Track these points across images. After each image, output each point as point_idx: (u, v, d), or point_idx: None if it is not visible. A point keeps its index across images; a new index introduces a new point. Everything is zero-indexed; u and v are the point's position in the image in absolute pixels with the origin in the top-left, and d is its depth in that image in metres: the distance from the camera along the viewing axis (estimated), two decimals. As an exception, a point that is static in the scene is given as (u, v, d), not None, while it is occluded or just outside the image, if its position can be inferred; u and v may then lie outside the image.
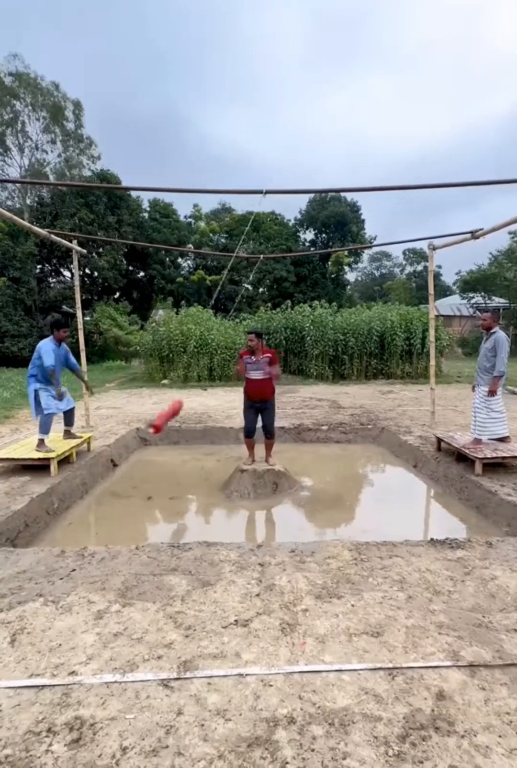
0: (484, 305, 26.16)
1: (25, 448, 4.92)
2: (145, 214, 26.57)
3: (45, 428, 4.89)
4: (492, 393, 4.64)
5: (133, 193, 24.97)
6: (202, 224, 26.96)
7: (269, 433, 5.06)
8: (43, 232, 5.97)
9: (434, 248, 6.72)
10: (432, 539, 3.16)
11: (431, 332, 7.19)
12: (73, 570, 2.71)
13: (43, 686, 1.79)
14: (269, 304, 18.58)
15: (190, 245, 25.85)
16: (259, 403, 4.97)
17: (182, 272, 26.29)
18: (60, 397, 4.98)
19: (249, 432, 5.05)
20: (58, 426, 5.44)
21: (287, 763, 1.44)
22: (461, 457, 4.89)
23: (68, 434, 5.32)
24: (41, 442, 4.84)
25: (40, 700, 1.72)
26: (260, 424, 5.07)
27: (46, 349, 4.89)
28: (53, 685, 1.79)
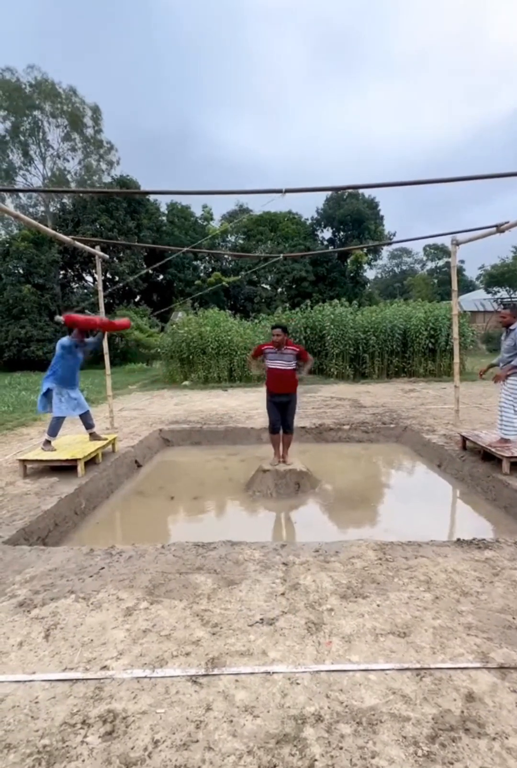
0: (509, 300, 25.47)
1: (54, 450, 5.06)
2: (164, 218, 26.95)
3: (53, 431, 5.07)
4: (498, 378, 4.64)
5: (151, 198, 25.35)
6: (213, 225, 27.14)
7: (288, 427, 5.06)
8: (67, 239, 6.14)
9: (458, 243, 6.59)
10: (459, 539, 3.11)
11: (455, 329, 7.05)
12: (102, 568, 2.79)
13: (77, 680, 1.85)
14: (287, 305, 18.56)
15: (222, 247, 26.10)
16: (282, 396, 4.95)
17: (200, 274, 26.53)
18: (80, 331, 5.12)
19: (274, 427, 5.06)
20: (82, 428, 5.57)
21: (316, 760, 1.45)
22: (487, 456, 4.79)
23: (93, 436, 5.45)
24: (47, 442, 5.02)
25: (74, 693, 1.78)
26: None
27: (68, 343, 5.06)
28: (86, 679, 1.85)
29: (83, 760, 1.48)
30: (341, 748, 1.49)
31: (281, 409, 5.00)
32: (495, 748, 1.49)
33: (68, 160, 26.49)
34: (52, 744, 1.55)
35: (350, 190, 26.71)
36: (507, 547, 2.96)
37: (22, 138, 24.74)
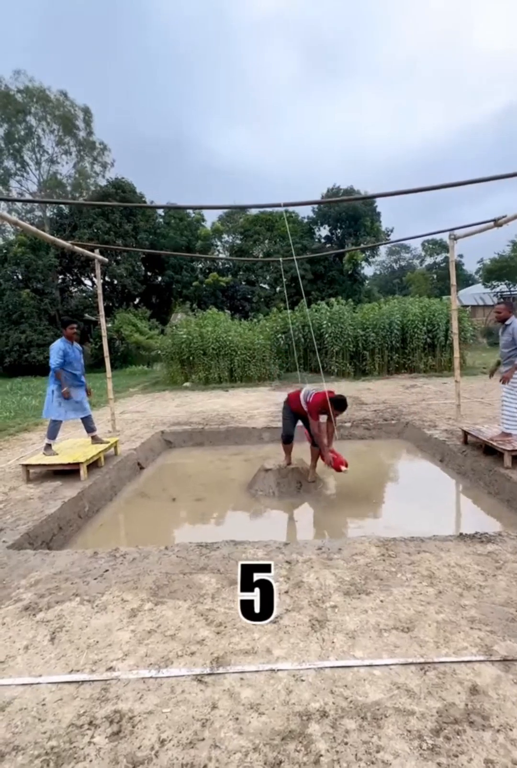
0: (508, 293, 25.46)
1: (55, 454, 5.08)
2: (160, 220, 26.95)
3: (51, 433, 5.07)
4: (506, 380, 4.54)
5: (147, 201, 25.34)
6: (206, 227, 27.18)
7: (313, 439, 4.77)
8: (67, 243, 6.15)
9: (456, 238, 6.60)
10: (461, 534, 3.12)
11: (454, 323, 7.06)
12: (106, 570, 2.80)
13: (83, 681, 1.86)
14: (283, 305, 18.53)
15: (218, 250, 26.14)
16: (302, 415, 4.77)
17: (198, 275, 26.52)
18: (66, 396, 5.04)
19: (287, 438, 4.87)
20: (84, 431, 5.58)
21: (321, 755, 1.46)
22: (489, 450, 4.79)
23: (95, 439, 5.46)
24: (48, 446, 5.03)
25: (80, 695, 1.79)
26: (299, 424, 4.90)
27: (55, 349, 5.06)
28: (92, 681, 1.86)
29: (91, 761, 1.49)
30: (346, 743, 1.50)
31: (300, 419, 4.82)
32: (500, 739, 1.50)
33: (62, 164, 26.57)
34: (60, 745, 1.56)
35: (344, 190, 26.73)
36: (510, 541, 2.97)
37: (16, 145, 24.78)
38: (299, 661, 1.90)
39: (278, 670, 1.86)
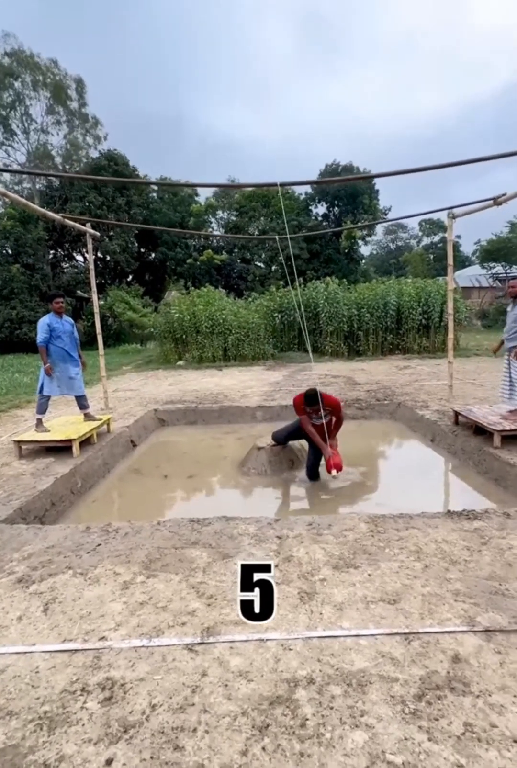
0: (504, 275, 25.40)
1: (47, 430, 5.06)
2: (154, 194, 26.37)
3: (40, 409, 5.09)
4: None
5: (141, 175, 24.71)
6: (200, 202, 26.70)
7: (309, 473, 4.52)
8: (57, 216, 6.01)
9: (455, 217, 6.53)
10: (449, 511, 3.18)
11: (450, 304, 7.05)
12: (99, 545, 2.83)
13: (76, 650, 1.90)
14: (281, 283, 18.36)
15: (212, 227, 25.74)
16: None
17: (192, 253, 26.12)
18: (48, 373, 5.00)
19: (277, 440, 4.78)
20: (76, 409, 5.57)
21: (307, 719, 1.51)
22: (479, 430, 4.85)
23: (88, 417, 5.45)
24: (39, 422, 5.03)
25: (73, 663, 1.83)
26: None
27: (40, 325, 5.07)
28: (85, 650, 1.90)
29: (83, 724, 1.53)
30: (331, 708, 1.55)
31: (305, 439, 4.63)
32: (479, 704, 1.56)
33: (53, 134, 25.69)
34: (53, 710, 1.60)
35: (343, 166, 26.27)
36: (496, 518, 3.03)
37: (3, 112, 23.88)
38: (288, 631, 1.95)
39: (267, 639, 1.91)
